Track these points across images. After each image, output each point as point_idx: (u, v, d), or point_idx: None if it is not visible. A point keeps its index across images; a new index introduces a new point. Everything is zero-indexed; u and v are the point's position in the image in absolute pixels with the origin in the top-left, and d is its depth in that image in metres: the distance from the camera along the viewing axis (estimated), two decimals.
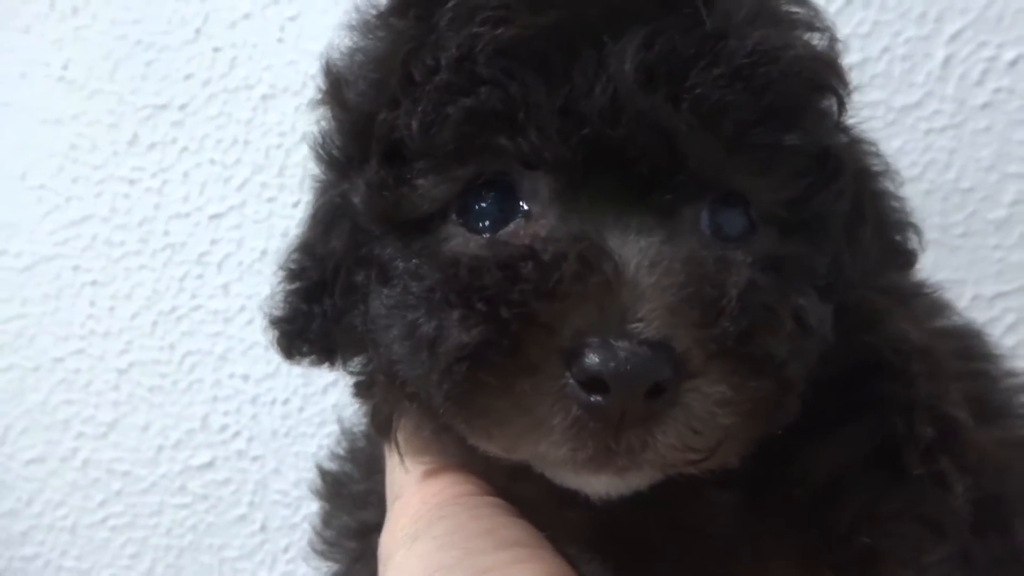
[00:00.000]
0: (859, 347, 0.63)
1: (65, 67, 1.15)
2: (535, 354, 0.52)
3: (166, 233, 1.13)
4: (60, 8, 1.14)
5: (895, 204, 0.72)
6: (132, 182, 1.14)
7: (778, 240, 0.60)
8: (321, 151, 0.65)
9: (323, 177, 0.65)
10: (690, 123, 0.54)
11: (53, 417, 1.19)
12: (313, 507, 0.81)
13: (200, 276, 1.13)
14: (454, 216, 0.59)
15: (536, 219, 0.58)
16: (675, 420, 0.52)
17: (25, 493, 1.21)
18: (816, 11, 0.63)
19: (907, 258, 0.72)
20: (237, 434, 1.16)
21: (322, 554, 0.76)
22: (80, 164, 1.15)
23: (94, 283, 1.17)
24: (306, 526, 0.87)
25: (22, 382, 1.20)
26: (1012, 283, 0.99)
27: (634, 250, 0.54)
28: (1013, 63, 0.98)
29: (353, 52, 0.63)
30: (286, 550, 1.16)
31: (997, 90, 0.98)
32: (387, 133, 0.60)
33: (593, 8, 0.56)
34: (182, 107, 1.12)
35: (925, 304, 0.72)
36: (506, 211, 0.58)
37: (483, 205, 0.59)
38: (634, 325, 0.51)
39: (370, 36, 0.63)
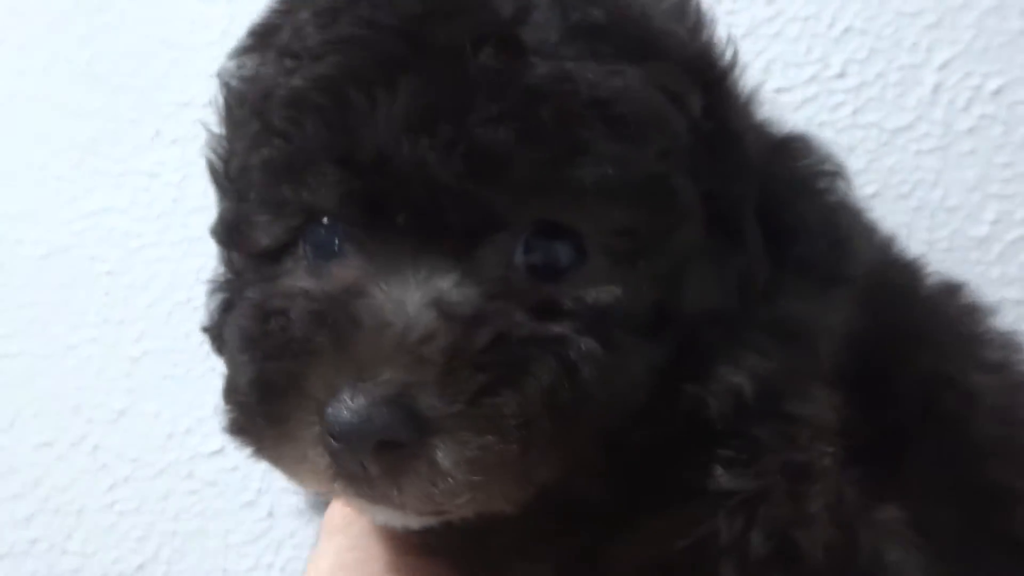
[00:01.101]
0: (683, 400, 0.59)
1: (89, 63, 1.18)
2: (295, 404, 0.53)
3: (184, 226, 1.16)
4: (86, 5, 1.18)
5: (833, 213, 0.67)
6: (153, 176, 1.17)
7: (608, 271, 0.57)
8: (211, 171, 0.69)
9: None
10: (457, 171, 0.53)
11: (64, 403, 1.21)
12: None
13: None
14: (301, 247, 0.60)
15: (343, 261, 0.58)
16: (418, 474, 0.51)
17: (31, 477, 1.23)
18: (661, 33, 0.60)
19: (830, 276, 0.64)
20: None
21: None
22: (101, 157, 1.18)
23: (110, 273, 1.19)
24: (312, 513, 0.90)
25: (33, 368, 1.22)
26: (992, 296, 1.05)
27: (394, 299, 0.54)
28: (997, 92, 1.04)
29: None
30: (292, 535, 1.19)
31: (982, 116, 1.05)
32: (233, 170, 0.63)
33: (369, 55, 0.55)
34: (205, 105, 1.15)
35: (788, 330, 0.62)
36: (331, 250, 0.59)
37: (316, 242, 0.60)
38: (367, 382, 0.51)
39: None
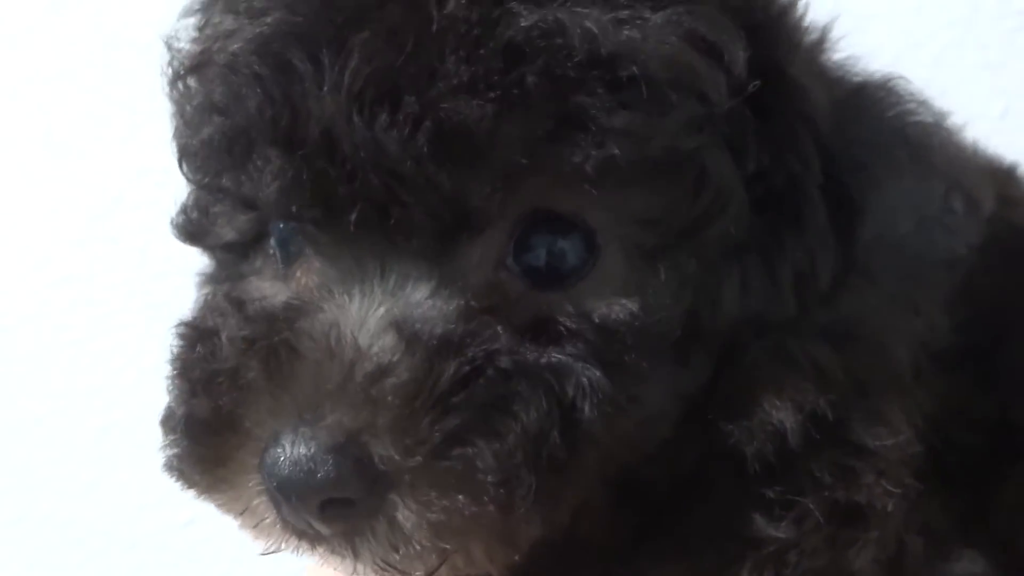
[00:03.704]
0: (714, 436, 0.48)
1: (48, 129, 1.16)
2: (233, 444, 0.45)
3: (149, 292, 1.14)
4: (44, 72, 1.16)
5: (924, 180, 0.52)
6: (115, 241, 1.15)
7: (624, 276, 0.47)
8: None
9: None
10: (421, 154, 0.43)
11: (33, 477, 1.19)
12: (301, 562, 0.82)
13: None
14: (270, 241, 0.52)
15: (305, 263, 0.50)
16: (375, 537, 0.44)
17: (2, 555, 1.20)
18: None
19: (918, 264, 0.51)
20: None
21: None
22: (62, 224, 1.16)
23: (75, 342, 1.17)
24: None
25: (1, 442, 1.19)
26: None
27: (349, 318, 0.45)
28: None
29: None
30: None
31: None
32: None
33: (314, 11, 0.45)
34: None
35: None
36: (294, 246, 0.51)
37: (280, 238, 0.52)
38: (308, 427, 0.43)
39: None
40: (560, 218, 0.46)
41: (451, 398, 0.43)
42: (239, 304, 0.50)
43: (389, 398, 0.43)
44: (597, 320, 0.46)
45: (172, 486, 1.29)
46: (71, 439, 1.18)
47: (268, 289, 0.51)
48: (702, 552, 0.49)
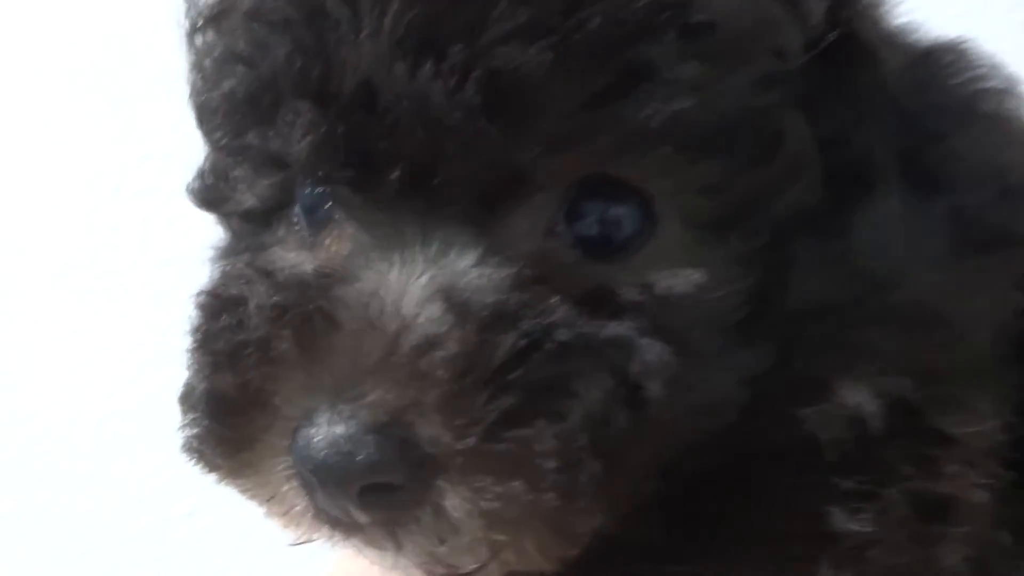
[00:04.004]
0: (783, 423, 0.44)
1: (48, 119, 1.16)
2: (259, 424, 0.42)
3: (149, 282, 1.14)
4: (40, 62, 1.15)
5: (1001, 150, 0.48)
6: (115, 230, 1.15)
7: (687, 248, 0.43)
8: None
9: None
10: (471, 107, 0.39)
11: (30, 470, 1.18)
12: (303, 553, 0.82)
13: (184, 325, 1.13)
14: (296, 208, 0.48)
15: (336, 229, 0.46)
16: (420, 527, 0.40)
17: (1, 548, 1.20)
18: None
19: (996, 238, 0.47)
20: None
21: None
22: (62, 214, 1.16)
23: (74, 332, 1.16)
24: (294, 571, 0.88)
25: None
26: None
27: (390, 286, 0.41)
28: None
29: None
30: None
31: None
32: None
33: None
34: (165, 157, 1.13)
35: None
36: (322, 212, 0.46)
37: (307, 204, 0.47)
38: (347, 404, 0.39)
39: None
40: (616, 183, 0.42)
41: (506, 374, 0.39)
42: (266, 272, 0.46)
43: (438, 373, 0.39)
44: (660, 292, 0.42)
45: (172, 477, 1.29)
46: (70, 430, 1.17)
47: (293, 259, 0.47)
48: (769, 549, 0.44)
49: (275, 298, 0.43)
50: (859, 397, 0.43)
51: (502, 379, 0.39)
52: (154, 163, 1.12)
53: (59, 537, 1.18)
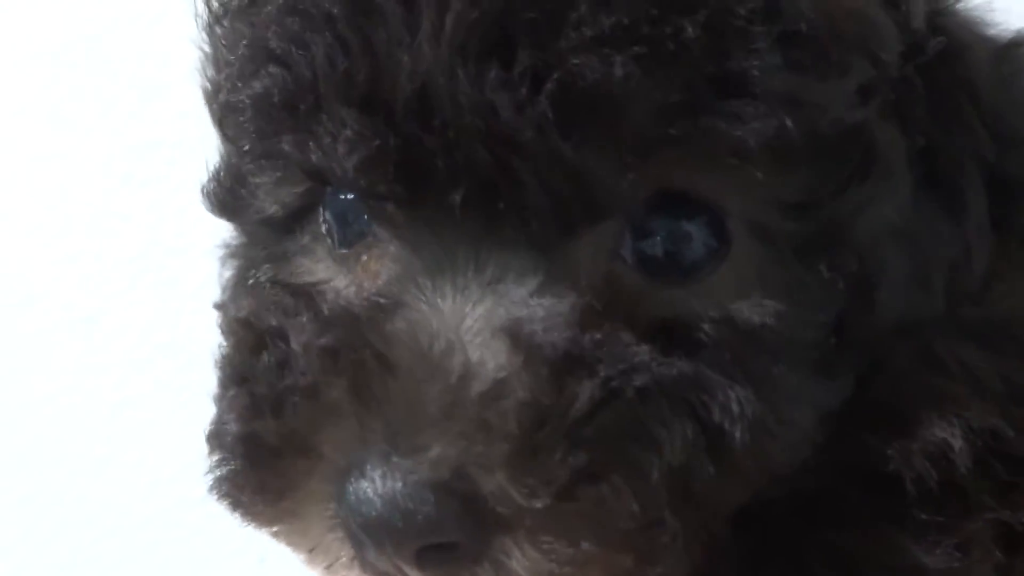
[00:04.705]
0: (862, 458, 0.41)
1: (56, 106, 1.15)
2: (301, 469, 0.39)
3: (161, 268, 1.14)
4: (50, 47, 1.15)
5: None
6: (125, 218, 1.14)
7: (763, 271, 0.39)
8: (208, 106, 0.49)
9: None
10: (544, 121, 0.35)
11: (45, 455, 1.18)
12: None
13: (196, 311, 1.14)
14: (322, 214, 0.44)
15: (375, 247, 0.42)
16: None
17: (14, 533, 1.20)
18: None
19: None
20: None
21: None
22: (72, 202, 1.15)
23: (86, 319, 1.16)
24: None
25: (11, 420, 1.19)
26: None
27: (446, 319, 0.37)
28: None
29: None
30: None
31: None
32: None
33: None
34: (175, 144, 1.13)
35: None
36: (360, 226, 0.42)
37: (339, 212, 0.43)
38: (405, 457, 0.35)
39: None
40: (687, 199, 0.38)
41: (583, 427, 0.35)
42: (306, 298, 0.42)
43: (507, 426, 0.35)
44: (740, 323, 0.38)
45: (186, 462, 1.28)
46: (83, 416, 1.17)
47: (322, 272, 0.43)
48: None
49: (323, 339, 0.39)
50: (947, 432, 0.40)
51: (579, 432, 0.35)
52: (165, 151, 1.12)
53: (75, 521, 1.18)
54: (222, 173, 0.48)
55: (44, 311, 1.17)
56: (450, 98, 0.35)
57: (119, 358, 1.16)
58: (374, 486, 0.35)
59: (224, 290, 0.52)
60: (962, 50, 0.42)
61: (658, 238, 0.39)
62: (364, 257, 0.42)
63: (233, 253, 0.52)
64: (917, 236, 0.42)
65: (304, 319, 0.40)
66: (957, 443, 0.40)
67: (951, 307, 0.43)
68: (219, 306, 0.52)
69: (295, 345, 0.40)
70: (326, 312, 0.41)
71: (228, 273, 0.52)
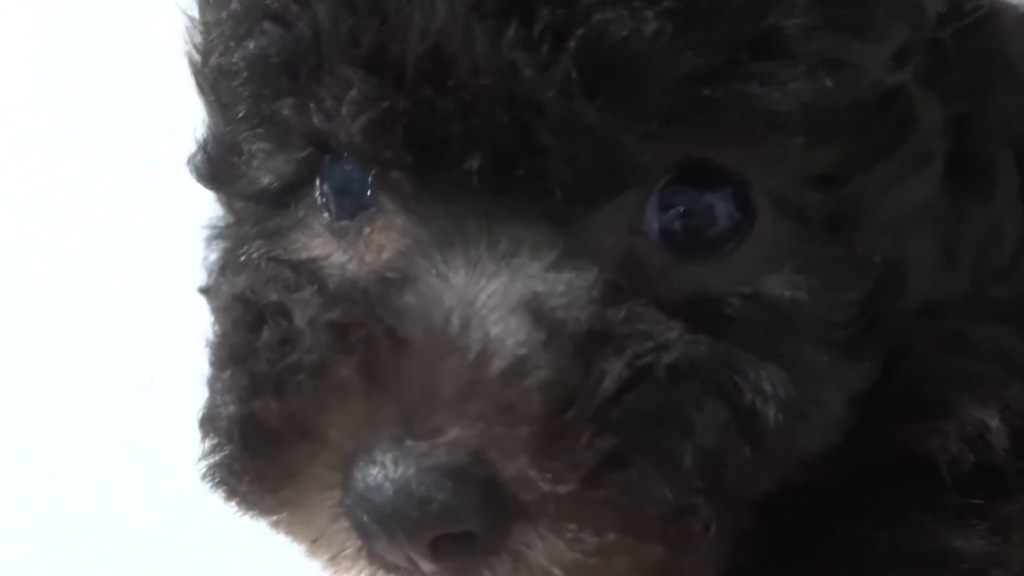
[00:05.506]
0: (892, 442, 0.40)
1: (80, 89, 1.16)
2: (303, 455, 0.36)
3: (186, 249, 1.13)
4: (75, 31, 1.15)
5: None
6: (151, 200, 1.15)
7: (794, 242, 0.37)
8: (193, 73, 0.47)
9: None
10: (567, 83, 0.33)
11: (71, 435, 1.19)
12: None
13: None
14: (319, 186, 0.41)
15: (380, 219, 0.39)
16: (499, 574, 0.35)
17: (41, 511, 1.21)
18: None
19: None
20: None
21: None
22: (97, 184, 1.16)
23: (113, 300, 1.17)
24: None
25: (38, 400, 1.20)
26: None
27: (461, 294, 0.35)
28: None
29: None
30: (309, 560, 1.16)
31: None
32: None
33: None
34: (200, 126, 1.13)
35: None
36: (362, 197, 0.40)
37: (339, 183, 0.41)
38: (419, 440, 0.33)
39: None
40: (711, 170, 0.36)
41: (611, 408, 0.33)
42: (308, 274, 0.39)
43: (530, 407, 0.33)
44: (770, 299, 0.36)
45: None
46: (109, 397, 1.18)
47: (318, 248, 0.41)
48: (881, 572, 0.40)
49: (330, 313, 0.36)
50: (982, 413, 0.39)
51: (606, 414, 0.33)
52: (190, 133, 1.12)
53: (99, 502, 1.20)
54: (210, 143, 0.46)
55: (69, 293, 1.18)
56: (466, 58, 0.33)
57: (144, 340, 1.17)
58: (385, 471, 0.33)
59: (210, 273, 0.50)
60: (994, 17, 0.40)
61: (680, 211, 0.37)
62: (367, 230, 0.39)
63: (220, 234, 0.49)
64: (944, 212, 0.40)
65: (308, 293, 0.38)
66: (994, 423, 0.39)
67: (978, 286, 0.41)
68: (205, 290, 0.51)
69: (299, 321, 0.37)
70: (332, 286, 0.38)
71: (213, 256, 0.50)
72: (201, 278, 0.53)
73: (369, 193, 0.39)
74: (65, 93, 1.16)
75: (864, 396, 0.39)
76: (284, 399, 0.36)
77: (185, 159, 1.20)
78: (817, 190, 0.37)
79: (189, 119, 1.18)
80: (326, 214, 0.41)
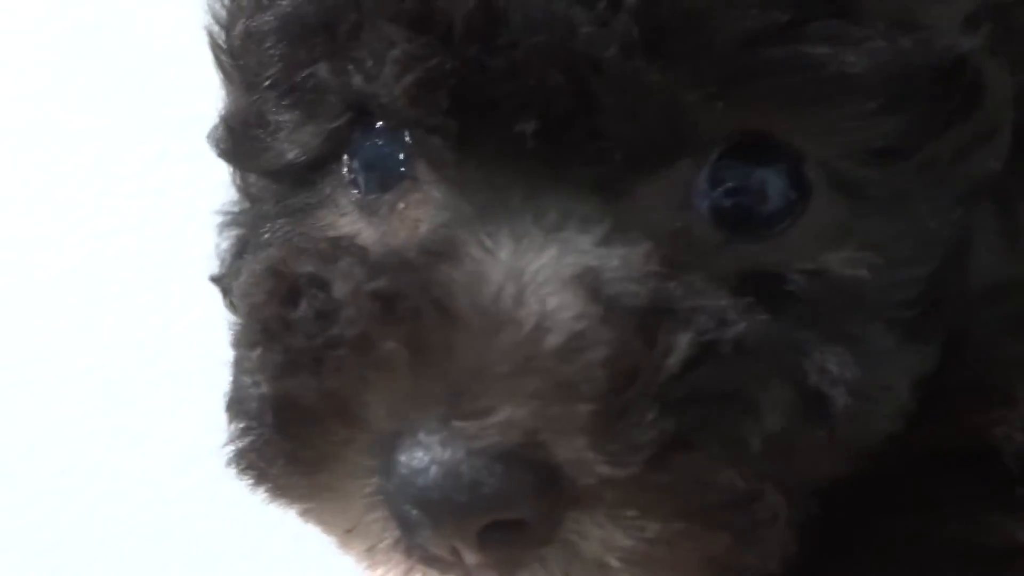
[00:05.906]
0: (952, 430, 0.38)
1: (91, 82, 1.15)
2: (339, 438, 0.34)
3: (197, 243, 1.13)
4: (85, 25, 1.15)
5: None
6: (162, 194, 1.15)
7: (851, 216, 0.35)
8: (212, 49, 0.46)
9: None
10: (624, 41, 0.31)
11: (81, 429, 1.19)
12: None
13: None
14: (347, 162, 0.39)
15: (417, 191, 0.37)
16: (546, 566, 0.32)
17: (51, 506, 1.21)
18: None
19: None
20: None
21: None
22: (108, 178, 1.16)
23: (123, 294, 1.17)
24: None
25: (48, 394, 1.19)
26: None
27: (509, 266, 0.33)
28: None
29: None
30: (320, 555, 1.15)
31: None
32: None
33: None
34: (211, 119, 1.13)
35: None
36: (394, 171, 0.38)
37: (369, 158, 0.39)
38: (467, 420, 0.31)
39: None
40: (765, 144, 0.34)
41: (675, 386, 0.31)
42: (347, 245, 0.37)
43: (590, 383, 0.31)
44: (832, 276, 0.34)
45: (223, 435, 1.29)
46: (120, 391, 1.18)
47: (347, 226, 0.39)
48: (929, 568, 0.37)
49: (375, 283, 0.34)
50: None
51: (670, 392, 0.31)
52: (202, 126, 1.12)
53: (110, 495, 1.19)
54: (233, 113, 0.43)
55: (81, 286, 1.17)
56: (519, 14, 0.31)
57: (156, 332, 1.16)
58: (432, 454, 0.31)
59: (223, 260, 0.48)
60: None
61: (731, 188, 0.35)
62: (401, 205, 0.37)
63: (234, 220, 0.47)
64: (1008, 189, 0.38)
65: (348, 263, 0.35)
66: None
67: None
68: (217, 279, 0.48)
69: (339, 292, 0.35)
70: (375, 259, 0.36)
71: (225, 244, 0.48)
72: (213, 269, 0.51)
73: (403, 167, 0.37)
74: (76, 86, 1.16)
75: (925, 382, 0.37)
76: (322, 376, 0.34)
77: (194, 154, 1.20)
78: (878, 162, 0.35)
79: (200, 113, 1.18)
80: (355, 191, 0.39)
